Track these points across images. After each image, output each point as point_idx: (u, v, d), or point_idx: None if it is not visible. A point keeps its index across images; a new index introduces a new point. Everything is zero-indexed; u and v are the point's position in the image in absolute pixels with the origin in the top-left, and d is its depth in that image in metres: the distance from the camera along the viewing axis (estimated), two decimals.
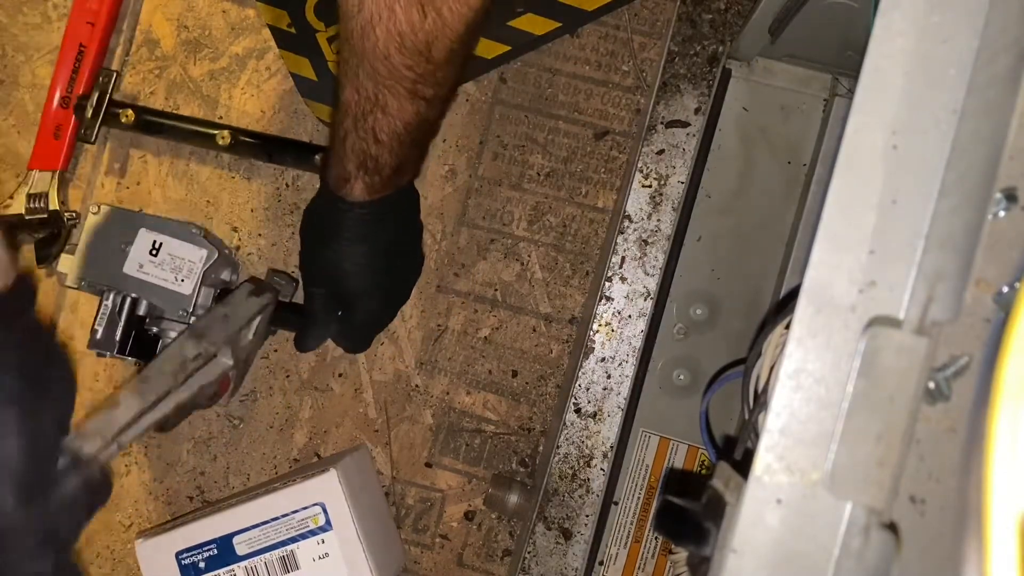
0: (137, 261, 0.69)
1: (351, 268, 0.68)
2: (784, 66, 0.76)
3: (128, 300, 0.69)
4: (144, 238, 0.70)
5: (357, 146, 0.62)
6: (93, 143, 0.76)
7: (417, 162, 0.68)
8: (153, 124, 0.76)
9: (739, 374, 0.50)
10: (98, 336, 0.69)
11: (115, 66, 0.79)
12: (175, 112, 0.78)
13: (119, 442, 0.53)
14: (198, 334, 0.62)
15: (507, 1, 0.77)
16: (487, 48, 0.77)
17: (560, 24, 0.77)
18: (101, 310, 0.69)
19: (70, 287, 0.71)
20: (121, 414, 0.54)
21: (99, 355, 0.70)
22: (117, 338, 0.69)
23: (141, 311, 0.69)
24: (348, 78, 0.60)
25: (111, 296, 0.69)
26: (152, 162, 0.78)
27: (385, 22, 0.55)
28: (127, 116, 0.75)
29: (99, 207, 0.71)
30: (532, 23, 0.77)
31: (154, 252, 0.70)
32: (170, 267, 0.69)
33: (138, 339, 0.70)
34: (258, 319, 0.66)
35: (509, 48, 0.77)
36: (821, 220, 0.31)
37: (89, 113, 0.75)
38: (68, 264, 0.70)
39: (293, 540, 0.65)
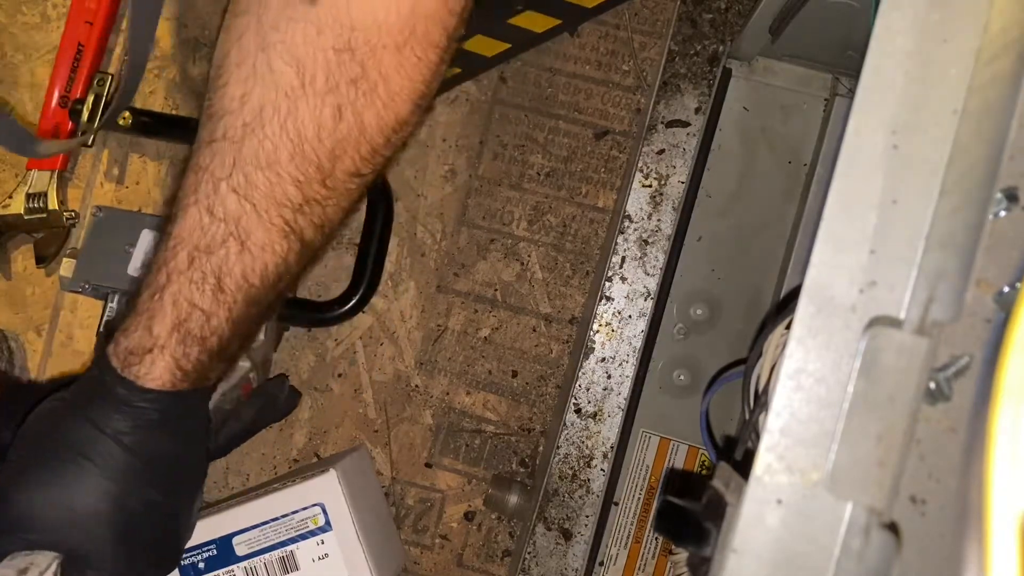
0: (142, 262, 0.69)
1: (94, 514, 0.45)
2: (785, 66, 0.76)
3: None
4: (148, 239, 0.69)
5: (183, 296, 0.45)
6: (91, 146, 0.76)
7: (240, 351, 0.50)
8: (151, 126, 0.76)
9: (739, 374, 0.50)
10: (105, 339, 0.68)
11: (114, 65, 0.78)
12: (173, 114, 0.78)
13: None
14: None
15: None
16: (486, 46, 0.77)
17: (560, 22, 0.77)
18: (106, 313, 0.69)
19: (73, 291, 0.70)
20: None
21: None
22: None
23: None
24: (199, 195, 0.45)
25: (116, 298, 0.69)
26: (151, 162, 0.78)
27: (282, 117, 0.43)
28: (124, 118, 0.75)
29: (100, 209, 0.71)
30: (532, 20, 0.77)
31: None
32: None
33: None
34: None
35: (509, 46, 0.77)
36: (822, 220, 0.31)
37: (85, 117, 0.75)
38: (69, 268, 0.70)
39: (293, 541, 0.65)
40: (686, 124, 0.73)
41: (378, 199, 0.75)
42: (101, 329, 0.69)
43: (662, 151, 0.73)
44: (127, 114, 0.75)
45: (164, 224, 0.47)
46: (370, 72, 0.43)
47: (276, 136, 0.43)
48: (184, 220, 0.45)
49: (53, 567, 0.44)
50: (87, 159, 0.78)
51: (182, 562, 0.66)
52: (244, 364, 0.62)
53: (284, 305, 0.71)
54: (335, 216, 0.47)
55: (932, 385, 0.29)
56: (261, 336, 0.65)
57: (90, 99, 0.75)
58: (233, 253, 0.45)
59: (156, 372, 0.46)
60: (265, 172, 0.44)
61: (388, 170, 0.49)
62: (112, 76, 0.77)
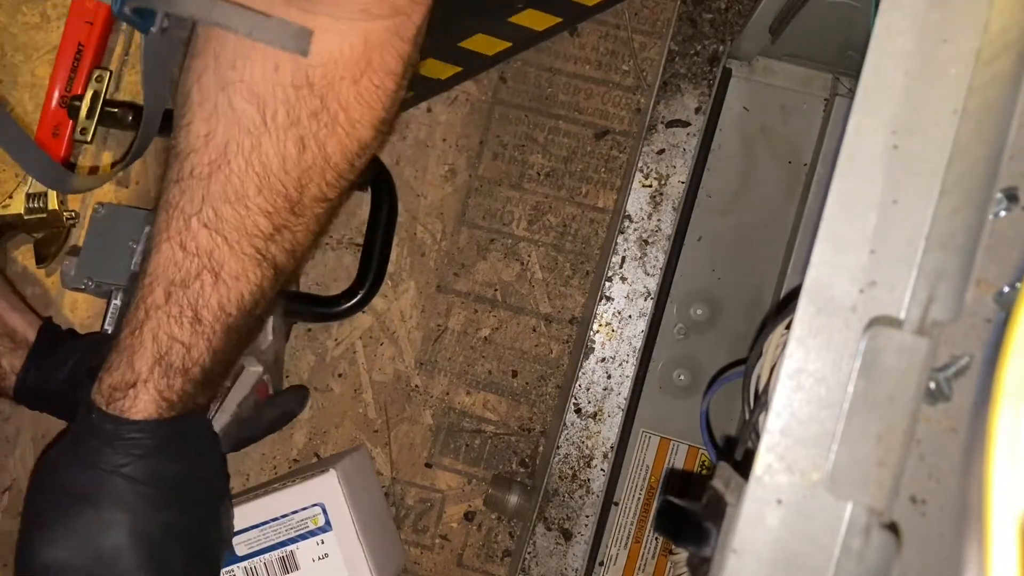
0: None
1: (115, 547, 0.45)
2: (785, 66, 0.76)
3: None
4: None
5: (163, 330, 0.45)
6: (91, 143, 0.76)
7: (224, 376, 0.51)
8: None
9: (739, 374, 0.50)
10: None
11: (113, 65, 0.78)
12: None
13: None
14: None
15: None
16: (487, 44, 0.77)
17: (560, 20, 0.77)
18: (111, 310, 0.68)
19: (75, 289, 0.70)
20: None
21: None
22: None
23: None
24: (171, 231, 0.45)
25: (119, 295, 0.68)
26: (151, 161, 0.78)
27: (247, 153, 0.44)
28: (125, 115, 0.74)
29: (102, 206, 0.70)
30: (532, 19, 0.77)
31: None
32: None
33: None
34: (270, 322, 0.65)
35: (510, 44, 0.77)
36: (822, 220, 0.31)
37: (83, 113, 0.75)
38: (71, 265, 0.69)
39: (293, 541, 0.65)
40: (686, 124, 0.73)
41: (382, 193, 0.75)
42: (106, 326, 0.68)
43: (662, 151, 0.73)
44: (128, 111, 0.74)
45: (140, 262, 0.48)
46: (330, 104, 0.45)
47: (242, 171, 0.44)
48: (158, 256, 0.46)
49: None
50: (87, 159, 0.78)
51: None
52: (256, 369, 0.62)
53: (291, 300, 0.71)
54: (305, 240, 0.48)
55: (932, 385, 0.29)
56: (269, 337, 0.65)
57: (88, 95, 0.75)
58: (208, 285, 0.45)
59: (140, 405, 0.46)
60: (234, 206, 0.45)
61: (352, 191, 0.50)
62: (111, 72, 0.76)
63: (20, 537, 0.48)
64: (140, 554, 0.46)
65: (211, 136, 0.45)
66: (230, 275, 0.46)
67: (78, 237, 0.76)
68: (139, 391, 0.46)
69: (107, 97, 0.75)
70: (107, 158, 0.78)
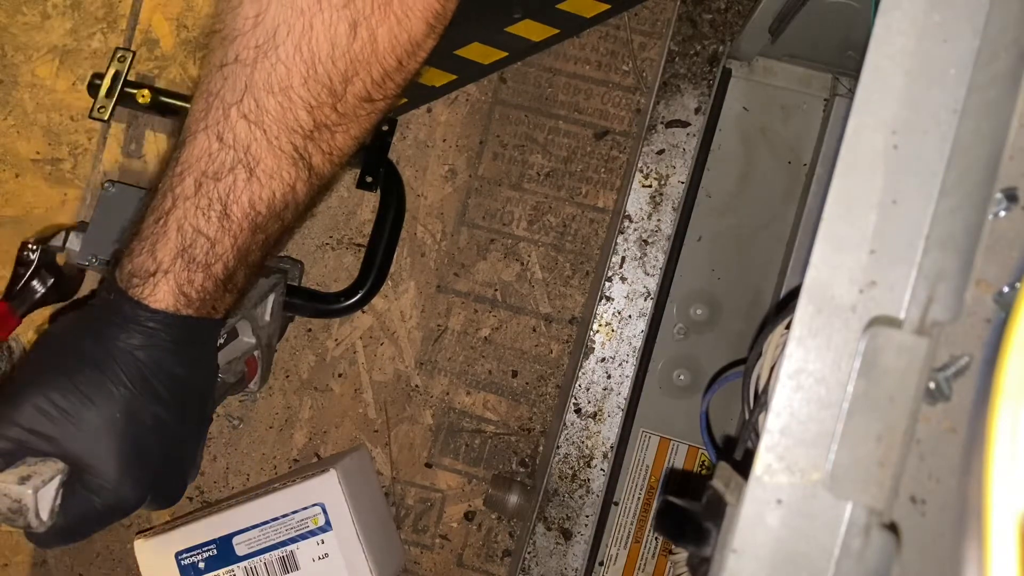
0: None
1: (105, 416, 0.44)
2: (784, 66, 0.76)
3: None
4: None
5: (188, 222, 0.44)
6: (107, 122, 0.76)
7: (244, 284, 0.49)
8: (169, 106, 0.75)
9: (739, 374, 0.50)
10: None
11: (137, 39, 0.78)
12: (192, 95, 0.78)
13: None
14: None
15: (505, 6, 0.76)
16: (483, 54, 0.77)
17: (558, 31, 0.77)
18: None
19: (79, 264, 0.70)
20: None
21: None
22: None
23: None
24: (208, 120, 0.44)
25: None
26: (165, 144, 0.78)
27: (296, 37, 0.43)
28: (143, 96, 0.74)
29: (113, 184, 0.70)
30: (529, 29, 0.77)
31: None
32: None
33: None
34: (271, 298, 0.65)
35: (506, 54, 0.77)
36: (821, 220, 0.31)
37: (103, 92, 0.74)
38: (78, 242, 0.69)
39: (293, 540, 0.65)
40: (686, 124, 0.73)
41: (390, 192, 0.75)
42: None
43: (662, 151, 0.73)
44: (146, 92, 0.74)
45: (171, 150, 0.47)
46: None
47: (289, 58, 0.43)
48: (192, 146, 0.45)
49: (57, 479, 0.43)
50: (101, 136, 0.78)
51: (182, 562, 0.66)
52: (249, 340, 0.61)
53: (291, 294, 0.71)
54: (344, 144, 0.47)
55: (932, 385, 0.29)
56: (267, 317, 0.65)
57: (110, 74, 0.74)
58: (241, 180, 0.44)
59: (159, 295, 0.45)
60: (277, 97, 0.43)
61: (397, 105, 0.48)
62: (134, 52, 0.76)
63: (12, 383, 0.45)
64: (122, 438, 0.44)
65: (261, 18, 0.43)
66: (264, 172, 0.44)
67: (87, 212, 0.75)
68: (159, 281, 0.45)
69: (127, 78, 0.75)
70: (122, 137, 0.78)
